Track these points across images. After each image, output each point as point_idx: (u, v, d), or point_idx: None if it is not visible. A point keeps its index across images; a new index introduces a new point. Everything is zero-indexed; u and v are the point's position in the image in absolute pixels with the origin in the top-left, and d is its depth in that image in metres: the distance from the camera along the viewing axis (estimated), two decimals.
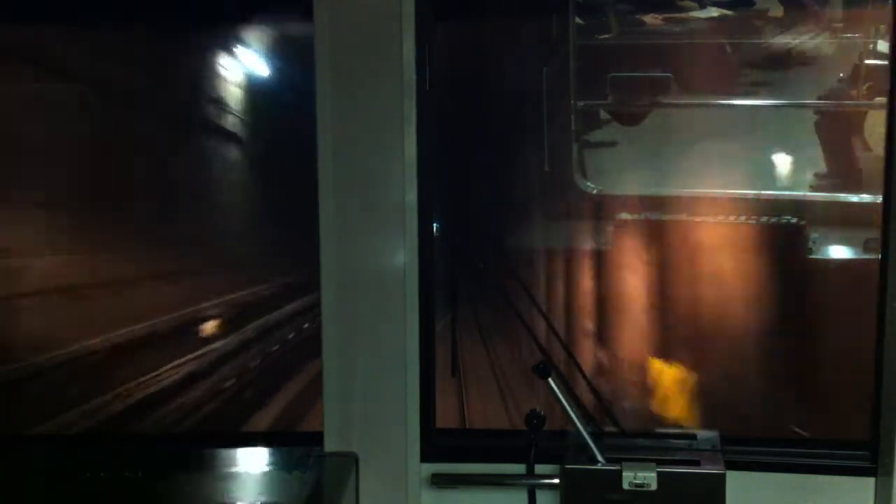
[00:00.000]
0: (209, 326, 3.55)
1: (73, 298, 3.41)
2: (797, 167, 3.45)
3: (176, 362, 3.44)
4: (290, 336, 3.59)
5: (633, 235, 3.53)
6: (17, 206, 3.36)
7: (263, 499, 2.73)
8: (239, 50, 3.48)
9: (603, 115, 3.60)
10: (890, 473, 2.57)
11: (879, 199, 2.73)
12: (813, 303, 3.32)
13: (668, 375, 3.35)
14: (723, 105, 3.45)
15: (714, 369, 3.34)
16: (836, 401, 3.13)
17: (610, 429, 3.01)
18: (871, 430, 2.67)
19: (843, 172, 3.39)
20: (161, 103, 3.46)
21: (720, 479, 2.59)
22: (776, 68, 3.41)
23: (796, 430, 3.08)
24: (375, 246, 2.72)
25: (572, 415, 2.67)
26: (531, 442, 2.71)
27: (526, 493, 2.72)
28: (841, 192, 3.39)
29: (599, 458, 2.63)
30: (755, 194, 3.44)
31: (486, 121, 3.55)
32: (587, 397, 3.17)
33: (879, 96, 3.11)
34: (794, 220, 3.41)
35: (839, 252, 3.39)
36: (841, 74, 3.36)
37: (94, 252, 3.46)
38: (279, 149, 3.50)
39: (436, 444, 2.82)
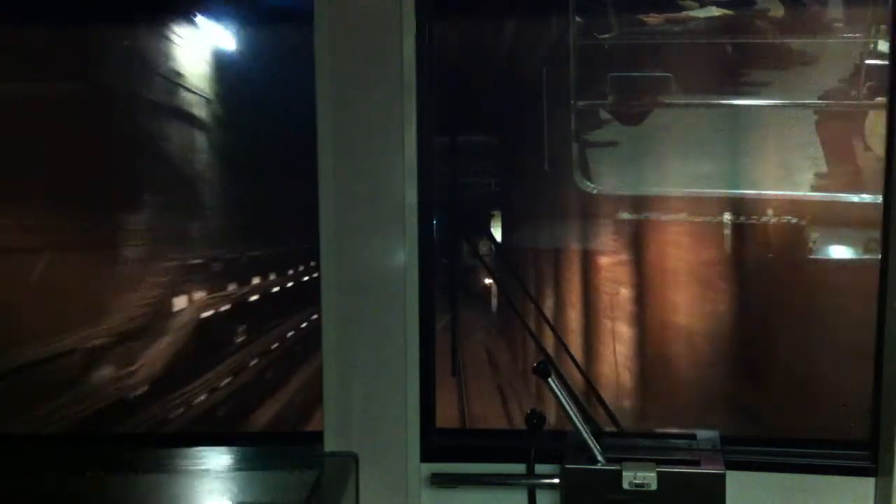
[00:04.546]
0: None
1: None
2: (798, 167, 3.45)
3: None
4: None
5: (633, 235, 3.53)
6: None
7: (263, 499, 2.72)
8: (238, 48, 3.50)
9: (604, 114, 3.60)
10: (890, 473, 2.56)
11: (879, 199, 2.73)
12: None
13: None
14: (723, 105, 3.45)
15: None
16: None
17: (610, 429, 3.01)
18: (871, 430, 2.67)
19: (843, 172, 3.39)
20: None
21: (720, 479, 2.59)
22: (776, 68, 3.41)
23: None
24: (375, 246, 2.72)
25: (572, 415, 2.67)
26: (531, 442, 2.71)
27: (526, 493, 2.72)
28: (841, 192, 3.38)
29: (599, 458, 2.63)
30: (756, 194, 3.44)
31: (486, 121, 3.54)
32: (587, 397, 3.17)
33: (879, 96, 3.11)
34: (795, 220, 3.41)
35: (840, 252, 3.40)
36: (841, 74, 3.36)
37: None
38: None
39: (436, 444, 2.82)
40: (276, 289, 5.61)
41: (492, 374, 3.99)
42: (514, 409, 3.74)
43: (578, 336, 3.73)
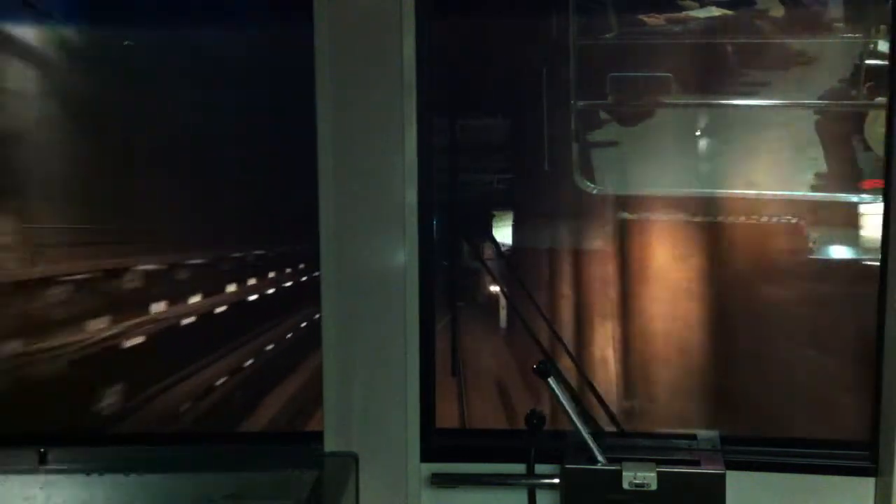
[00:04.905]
0: None
1: None
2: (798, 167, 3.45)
3: None
4: None
5: (633, 235, 3.53)
6: None
7: (263, 499, 2.72)
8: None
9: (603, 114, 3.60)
10: (890, 473, 2.56)
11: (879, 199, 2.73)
12: None
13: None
14: (723, 105, 3.45)
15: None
16: None
17: (610, 429, 3.01)
18: (871, 430, 2.67)
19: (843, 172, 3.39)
20: None
21: (720, 479, 2.59)
22: (776, 68, 3.41)
23: None
24: (375, 246, 2.72)
25: (572, 415, 2.67)
26: (531, 442, 2.71)
27: (526, 493, 2.72)
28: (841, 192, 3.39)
29: (599, 458, 2.63)
30: (756, 194, 3.44)
31: (485, 121, 3.54)
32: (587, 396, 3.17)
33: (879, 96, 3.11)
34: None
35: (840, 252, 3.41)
36: (841, 74, 3.36)
37: None
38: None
39: (436, 444, 2.82)
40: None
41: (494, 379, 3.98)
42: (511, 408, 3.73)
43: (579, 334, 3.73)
